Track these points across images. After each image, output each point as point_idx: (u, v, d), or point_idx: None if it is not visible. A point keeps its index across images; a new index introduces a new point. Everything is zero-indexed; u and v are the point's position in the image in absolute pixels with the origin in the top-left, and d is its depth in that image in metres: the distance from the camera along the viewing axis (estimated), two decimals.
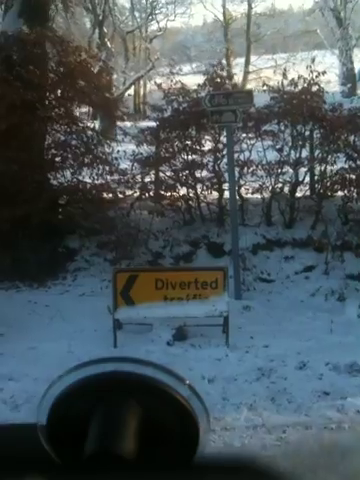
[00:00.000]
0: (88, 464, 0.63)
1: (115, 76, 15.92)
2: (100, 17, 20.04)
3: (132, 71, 20.21)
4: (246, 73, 22.14)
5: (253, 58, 22.92)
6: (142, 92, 22.98)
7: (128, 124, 7.91)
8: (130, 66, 20.85)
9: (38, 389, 3.52)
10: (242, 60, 22.58)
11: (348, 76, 20.80)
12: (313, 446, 2.35)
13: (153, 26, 24.63)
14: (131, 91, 21.69)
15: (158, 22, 24.64)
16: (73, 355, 4.29)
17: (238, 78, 21.66)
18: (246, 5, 22.78)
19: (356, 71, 21.53)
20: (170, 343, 4.55)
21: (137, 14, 23.93)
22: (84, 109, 8.59)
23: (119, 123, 7.48)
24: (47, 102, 5.83)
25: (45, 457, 0.65)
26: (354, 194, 5.59)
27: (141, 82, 22.49)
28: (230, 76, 20.75)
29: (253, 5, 22.69)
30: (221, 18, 24.08)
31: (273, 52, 22.37)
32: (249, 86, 17.12)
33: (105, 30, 20.11)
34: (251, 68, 22.47)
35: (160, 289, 4.47)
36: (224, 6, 23.77)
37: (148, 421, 0.67)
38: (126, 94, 18.58)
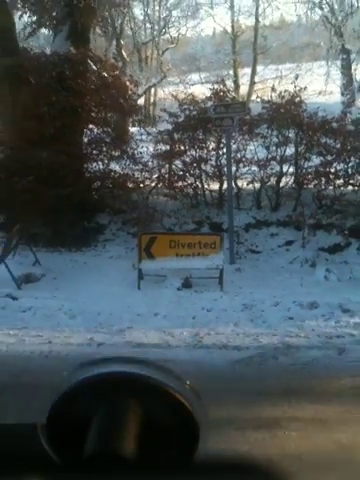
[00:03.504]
0: (88, 464, 0.62)
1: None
2: (118, 30, 21.44)
3: (143, 79, 21.51)
4: (252, 83, 22.84)
5: (260, 68, 23.59)
6: (152, 100, 24.13)
7: (138, 129, 9.14)
8: (142, 75, 22.16)
9: (86, 307, 5.02)
10: (249, 70, 23.28)
11: (348, 87, 21.95)
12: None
13: (165, 35, 25.72)
14: (141, 99, 22.86)
15: (170, 35, 25.94)
16: (109, 292, 5.69)
17: (245, 88, 22.88)
18: (254, 18, 23.84)
19: (355, 83, 22.64)
20: (179, 289, 5.94)
21: (149, 25, 25.07)
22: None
23: (132, 128, 8.81)
24: (87, 107, 7.27)
25: (45, 457, 0.64)
26: (323, 185, 6.99)
27: (152, 90, 23.70)
28: (237, 86, 21.95)
29: (262, 16, 23.15)
30: (229, 30, 25.18)
31: (279, 62, 23.14)
32: (254, 95, 18.18)
33: (122, 42, 21.56)
34: (257, 78, 23.06)
35: (173, 248, 5.91)
36: (233, 20, 24.96)
37: (148, 421, 0.65)
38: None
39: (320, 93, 20.10)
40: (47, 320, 4.90)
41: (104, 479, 0.61)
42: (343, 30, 21.66)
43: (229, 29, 24.85)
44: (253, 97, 17.97)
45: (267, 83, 20.50)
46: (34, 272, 6.08)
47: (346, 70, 22.23)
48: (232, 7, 24.06)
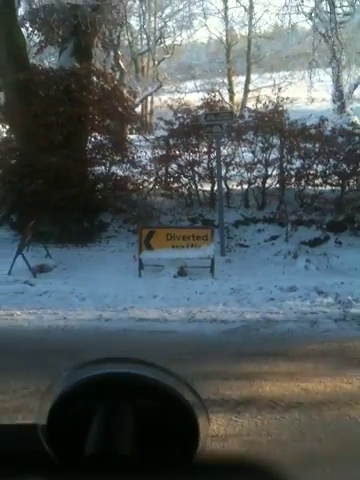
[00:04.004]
0: (88, 464, 0.62)
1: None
2: (115, 42, 22.21)
3: (140, 88, 22.22)
4: (246, 91, 23.42)
5: (254, 76, 24.12)
6: (149, 108, 24.85)
7: (137, 136, 9.90)
8: (139, 84, 22.89)
9: (94, 291, 5.78)
10: (244, 78, 23.81)
11: (339, 95, 22.75)
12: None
13: (160, 45, 26.36)
14: (138, 107, 23.44)
15: (166, 45, 26.68)
16: (113, 279, 6.42)
17: (239, 95, 23.61)
18: (247, 28, 24.47)
19: (346, 90, 23.43)
20: (175, 276, 6.66)
21: (144, 36, 25.73)
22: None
23: (131, 135, 9.56)
24: (90, 116, 8.03)
25: (45, 457, 0.64)
26: (303, 185, 7.77)
27: (148, 98, 24.41)
28: (231, 94, 22.47)
29: (258, 24, 23.57)
30: (224, 40, 25.85)
31: (273, 71, 23.41)
32: (248, 103, 18.70)
33: (120, 53, 22.35)
34: (251, 87, 23.59)
35: (169, 240, 6.66)
36: (227, 30, 25.70)
37: (148, 421, 0.66)
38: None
39: (313, 101, 20.85)
40: (61, 302, 5.63)
41: (104, 479, 0.60)
42: (333, 40, 22.50)
43: (223, 38, 25.44)
44: (248, 105, 18.62)
45: (260, 91, 21.02)
46: (47, 263, 6.81)
47: (336, 78, 23.02)
48: (226, 17, 24.86)
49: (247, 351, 4.58)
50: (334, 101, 21.97)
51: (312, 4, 15.73)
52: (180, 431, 0.66)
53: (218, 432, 3.40)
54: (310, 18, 23.06)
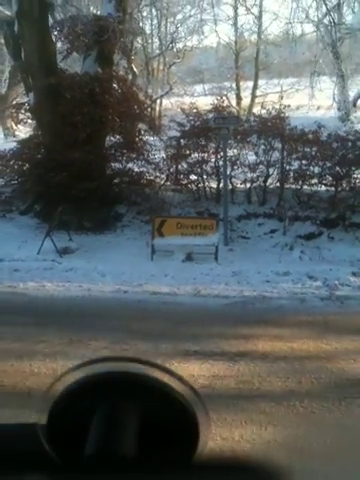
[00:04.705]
0: (88, 464, 0.62)
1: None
2: (129, 46, 23.07)
3: (151, 91, 23.03)
4: (253, 96, 23.79)
5: (262, 82, 24.57)
6: (158, 109, 25.67)
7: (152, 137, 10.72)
8: (150, 87, 23.71)
9: (113, 269, 6.66)
10: (252, 83, 24.30)
11: (344, 102, 23.46)
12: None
13: (172, 49, 27.07)
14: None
15: (177, 49, 27.48)
16: (129, 261, 7.26)
17: (247, 100, 24.34)
18: (256, 35, 25.05)
19: (350, 99, 24.14)
20: (183, 261, 7.50)
21: (156, 40, 26.53)
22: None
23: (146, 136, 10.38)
24: (110, 117, 8.89)
25: (45, 457, 0.64)
26: (301, 184, 8.60)
27: (158, 101, 25.24)
28: (239, 98, 23.06)
29: (266, 32, 23.97)
30: (233, 46, 26.59)
31: (280, 77, 24.02)
32: (256, 108, 19.34)
33: (133, 57, 23.24)
34: (259, 92, 23.99)
35: (179, 228, 7.52)
36: (236, 37, 26.43)
37: (148, 421, 0.65)
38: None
39: (318, 108, 21.60)
40: (85, 277, 6.48)
41: (104, 479, 0.59)
42: (337, 50, 23.21)
43: (232, 44, 26.10)
44: (255, 109, 19.25)
45: (267, 97, 21.36)
46: (70, 246, 7.66)
47: (341, 87, 23.72)
48: (235, 24, 25.60)
49: (244, 319, 5.42)
50: (339, 109, 22.56)
51: (320, 14, 16.46)
52: (180, 431, 0.66)
53: (218, 374, 4.24)
54: (317, 28, 23.82)
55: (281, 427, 3.51)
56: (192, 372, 4.17)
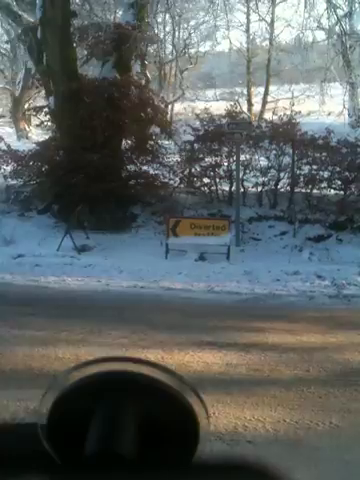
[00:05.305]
0: (88, 464, 0.62)
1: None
2: (143, 51, 23.45)
3: (165, 96, 23.35)
4: (265, 102, 24.02)
5: (273, 88, 24.75)
6: (170, 114, 25.99)
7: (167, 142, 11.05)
8: (163, 92, 24.06)
9: (130, 266, 7.00)
10: (263, 89, 24.52)
11: (353, 109, 23.68)
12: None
13: (184, 55, 27.37)
14: None
15: (189, 55, 27.81)
16: (144, 259, 7.59)
17: (258, 106, 24.60)
18: (268, 42, 25.28)
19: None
20: (196, 260, 7.83)
21: (169, 45, 26.88)
22: None
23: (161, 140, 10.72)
24: (127, 121, 9.25)
25: (45, 457, 0.64)
26: (310, 188, 8.90)
27: (170, 106, 25.58)
28: (250, 104, 23.20)
29: (280, 37, 24.06)
30: (245, 53, 26.89)
31: (292, 83, 24.03)
32: (267, 114, 19.58)
33: (146, 62, 23.65)
34: (270, 98, 24.20)
35: (193, 229, 7.85)
36: (248, 43, 26.73)
37: (148, 421, 0.65)
38: None
39: (329, 114, 21.77)
40: (103, 273, 6.82)
41: (104, 479, 0.59)
42: (351, 57, 23.40)
43: (244, 50, 26.36)
44: (266, 115, 19.45)
45: (278, 103, 21.41)
46: (88, 244, 8.02)
47: (351, 93, 23.89)
48: (248, 30, 25.89)
49: (255, 314, 5.71)
50: (350, 115, 22.70)
51: (331, 22, 16.71)
52: (180, 431, 0.65)
53: (231, 362, 4.54)
54: (328, 36, 24.02)
55: (289, 409, 3.79)
56: (206, 360, 4.46)
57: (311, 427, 3.58)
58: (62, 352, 4.50)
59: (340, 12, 16.02)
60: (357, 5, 16.66)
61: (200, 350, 4.68)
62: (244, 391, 4.02)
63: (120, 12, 10.54)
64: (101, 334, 4.94)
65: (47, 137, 10.49)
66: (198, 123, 9.53)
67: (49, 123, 10.15)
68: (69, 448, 0.64)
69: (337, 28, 18.09)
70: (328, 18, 16.58)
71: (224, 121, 9.31)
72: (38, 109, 10.53)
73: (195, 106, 16.57)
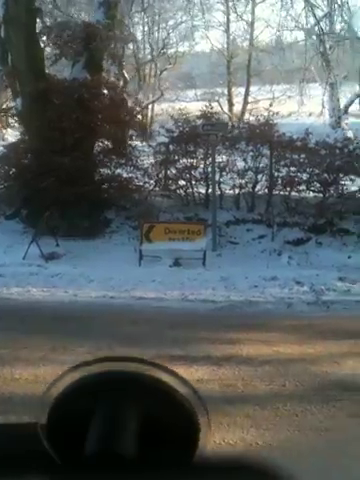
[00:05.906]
0: (88, 464, 0.62)
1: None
2: (119, 52, 23.18)
3: (142, 97, 23.13)
4: (245, 103, 23.91)
5: (254, 88, 24.59)
6: (149, 115, 25.74)
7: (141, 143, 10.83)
8: (141, 92, 23.83)
9: (100, 275, 6.70)
10: (244, 89, 24.38)
11: (333, 110, 23.73)
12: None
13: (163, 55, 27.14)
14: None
15: (168, 55, 27.60)
16: (117, 267, 7.29)
17: (239, 106, 24.49)
18: (248, 42, 24.61)
19: (342, 106, 24.41)
20: (171, 266, 7.56)
21: (148, 46, 26.63)
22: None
23: (135, 141, 10.48)
24: (99, 123, 8.95)
25: (45, 457, 0.64)
26: (289, 190, 8.71)
27: (149, 107, 25.32)
28: (230, 104, 23.08)
29: (260, 37, 24.10)
30: (225, 53, 26.77)
31: (273, 83, 23.87)
32: (248, 114, 19.48)
33: (124, 63, 23.36)
34: (251, 98, 24.09)
35: (167, 233, 7.56)
36: (228, 44, 26.62)
37: (149, 421, 0.66)
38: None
39: (310, 115, 21.77)
40: (71, 283, 6.50)
41: (104, 479, 0.60)
42: (330, 57, 23.46)
43: (224, 50, 26.21)
44: (247, 115, 19.31)
45: (259, 103, 20.96)
46: (57, 251, 7.69)
47: (331, 94, 23.98)
48: (228, 30, 25.79)
49: (231, 323, 5.47)
50: (330, 116, 22.79)
51: (310, 22, 16.69)
52: (180, 431, 0.66)
53: (203, 378, 4.28)
54: (307, 36, 24.14)
55: (263, 430, 3.55)
56: None
57: (286, 450, 3.34)
58: (19, 372, 4.19)
59: (319, 12, 16.00)
60: (336, 6, 16.63)
61: (171, 366, 4.38)
62: (215, 411, 3.75)
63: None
64: (65, 351, 4.64)
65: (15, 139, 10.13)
66: (172, 124, 9.27)
67: (17, 125, 9.78)
68: (69, 448, 0.65)
69: (316, 28, 18.06)
70: (306, 17, 16.55)
71: (199, 122, 9.07)
72: (5, 111, 10.16)
73: (175, 107, 16.31)
